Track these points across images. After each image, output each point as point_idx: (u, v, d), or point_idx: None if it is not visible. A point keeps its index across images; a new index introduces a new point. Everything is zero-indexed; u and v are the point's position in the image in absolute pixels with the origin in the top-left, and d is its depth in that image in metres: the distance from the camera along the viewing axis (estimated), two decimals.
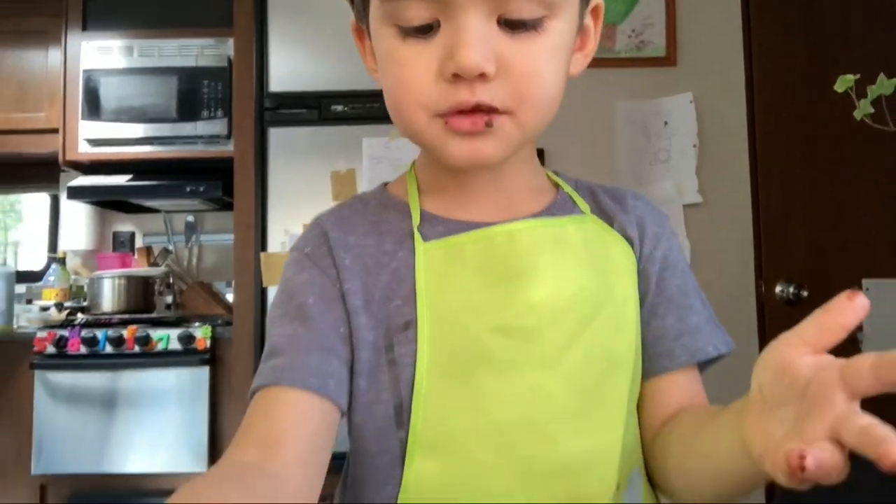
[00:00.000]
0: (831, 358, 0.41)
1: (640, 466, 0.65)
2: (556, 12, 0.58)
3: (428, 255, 0.63)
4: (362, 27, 0.66)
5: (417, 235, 0.64)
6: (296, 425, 0.57)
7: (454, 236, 0.64)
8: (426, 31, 0.57)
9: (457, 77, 0.56)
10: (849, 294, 0.40)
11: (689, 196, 2.01)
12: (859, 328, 2.17)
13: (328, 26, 2.12)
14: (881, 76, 1.15)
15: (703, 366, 0.68)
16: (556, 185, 0.71)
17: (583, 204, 0.69)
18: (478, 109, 0.57)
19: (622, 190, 0.72)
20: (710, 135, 2.03)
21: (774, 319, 1.98)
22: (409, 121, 0.60)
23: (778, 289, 2.00)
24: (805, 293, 1.98)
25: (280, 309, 0.64)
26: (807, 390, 0.41)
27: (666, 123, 2.05)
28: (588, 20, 0.65)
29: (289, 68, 2.20)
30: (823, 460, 0.38)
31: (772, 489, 1.90)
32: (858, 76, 1.16)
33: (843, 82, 1.15)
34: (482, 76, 0.56)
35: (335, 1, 2.04)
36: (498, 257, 0.62)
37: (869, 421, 0.38)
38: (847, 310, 0.40)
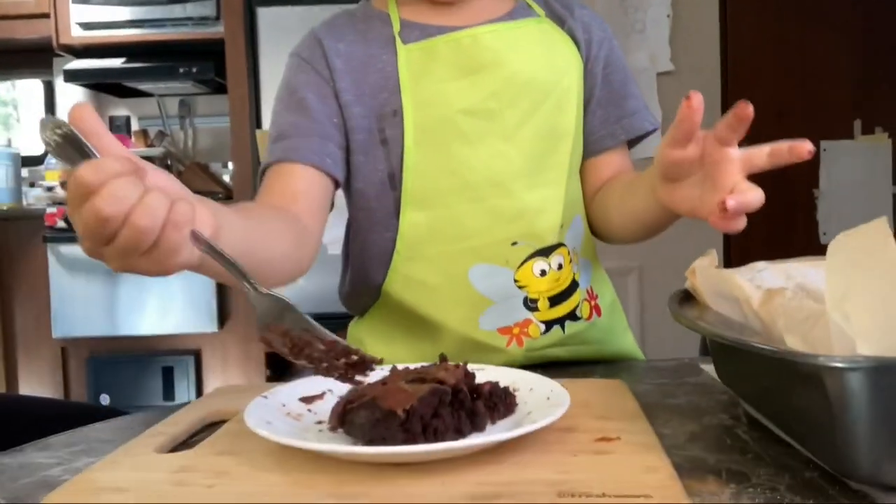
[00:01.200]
0: (706, 132, 0.56)
1: (582, 215, 0.85)
2: None
3: (408, 55, 0.79)
4: None
5: (398, 40, 0.80)
6: (305, 189, 0.76)
7: (429, 39, 0.80)
8: None
9: None
10: (686, 103, 0.54)
11: (662, 65, 2.12)
12: (816, 185, 2.29)
13: None
14: None
15: (633, 143, 0.87)
16: None
17: (538, 9, 0.86)
18: None
19: (571, 0, 0.88)
20: (684, 4, 2.12)
21: None
22: None
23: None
24: None
25: (283, 103, 0.82)
26: (703, 161, 0.57)
27: None
28: None
29: None
30: (740, 197, 0.53)
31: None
32: None
33: None
34: None
35: None
36: (465, 55, 0.79)
37: (768, 145, 0.53)
38: (692, 114, 0.54)
